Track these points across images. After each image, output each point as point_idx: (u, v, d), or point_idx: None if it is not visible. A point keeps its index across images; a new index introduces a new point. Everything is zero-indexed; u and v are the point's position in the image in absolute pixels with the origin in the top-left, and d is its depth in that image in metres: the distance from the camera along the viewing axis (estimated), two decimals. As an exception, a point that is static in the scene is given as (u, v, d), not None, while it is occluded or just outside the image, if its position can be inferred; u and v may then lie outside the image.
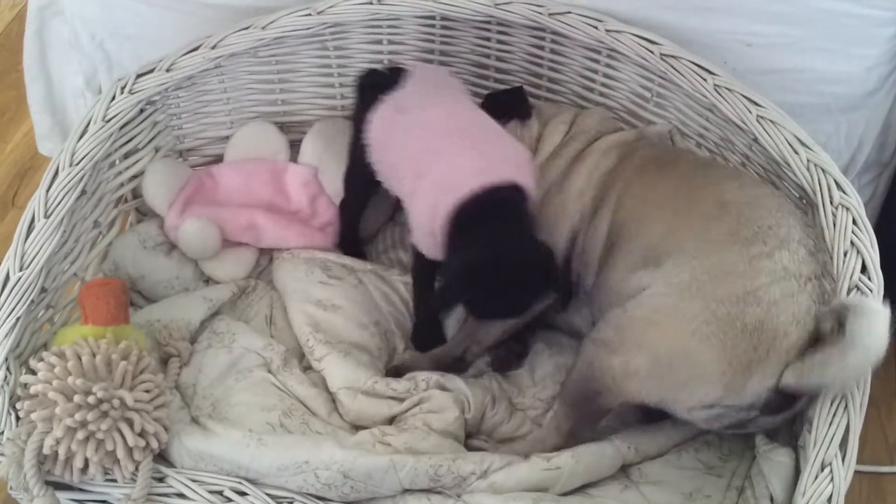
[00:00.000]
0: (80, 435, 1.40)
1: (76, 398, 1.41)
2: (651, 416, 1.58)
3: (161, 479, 1.47)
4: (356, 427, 1.66)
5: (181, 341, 1.71)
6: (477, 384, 1.73)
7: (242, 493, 1.47)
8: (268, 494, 1.47)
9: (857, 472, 1.88)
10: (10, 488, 1.44)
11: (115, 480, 1.46)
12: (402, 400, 1.68)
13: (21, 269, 1.54)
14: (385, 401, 1.68)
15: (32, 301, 1.55)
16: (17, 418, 1.46)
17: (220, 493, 1.47)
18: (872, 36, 1.83)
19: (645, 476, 1.56)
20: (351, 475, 1.47)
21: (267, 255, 1.99)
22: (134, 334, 1.62)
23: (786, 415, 1.43)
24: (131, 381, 1.49)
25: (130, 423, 1.44)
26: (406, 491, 1.51)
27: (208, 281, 1.94)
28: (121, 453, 1.42)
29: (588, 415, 1.56)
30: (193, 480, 1.47)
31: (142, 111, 1.83)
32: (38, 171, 2.52)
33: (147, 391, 1.50)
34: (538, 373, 1.79)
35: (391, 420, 1.67)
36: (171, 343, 1.69)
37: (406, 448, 1.56)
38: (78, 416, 1.39)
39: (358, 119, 1.81)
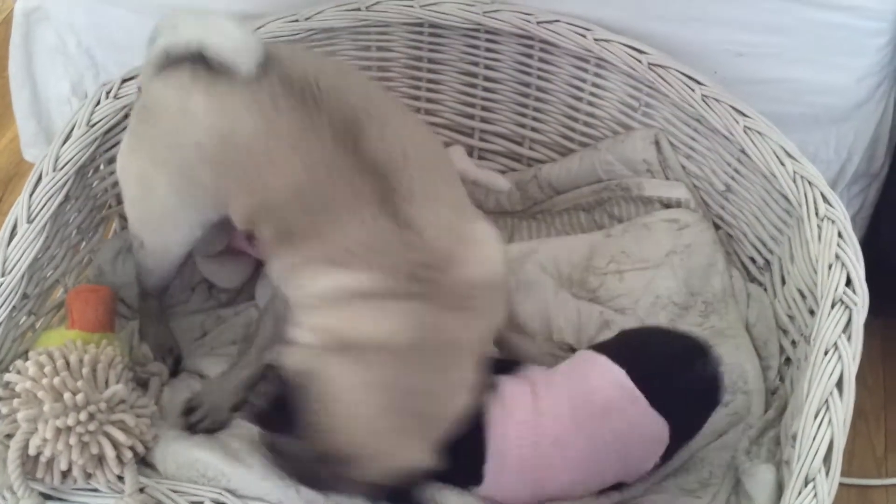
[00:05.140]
0: (67, 436, 1.39)
1: (66, 398, 1.40)
2: None
3: (141, 490, 1.45)
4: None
5: (156, 364, 1.70)
6: None
7: (223, 505, 1.47)
8: (249, 508, 1.46)
9: (844, 485, 1.89)
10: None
11: (95, 490, 1.45)
12: None
13: (3, 275, 1.53)
14: None
15: (14, 307, 1.54)
16: (-3, 421, 1.46)
17: (201, 503, 1.45)
18: (862, 46, 1.82)
19: (623, 498, 1.54)
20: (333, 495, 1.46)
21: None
22: (118, 343, 1.62)
23: None
24: (117, 384, 1.48)
25: (117, 425, 1.44)
26: None
27: (194, 289, 1.92)
28: (109, 454, 1.41)
29: None
30: (174, 491, 1.46)
31: (126, 116, 1.80)
32: (22, 178, 2.49)
33: (133, 392, 1.51)
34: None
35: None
36: (150, 364, 1.69)
37: None
38: (67, 417, 1.39)
39: None
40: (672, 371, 1.47)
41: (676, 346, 1.51)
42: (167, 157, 1.55)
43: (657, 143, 1.88)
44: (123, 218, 1.91)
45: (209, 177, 1.52)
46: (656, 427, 1.43)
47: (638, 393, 1.43)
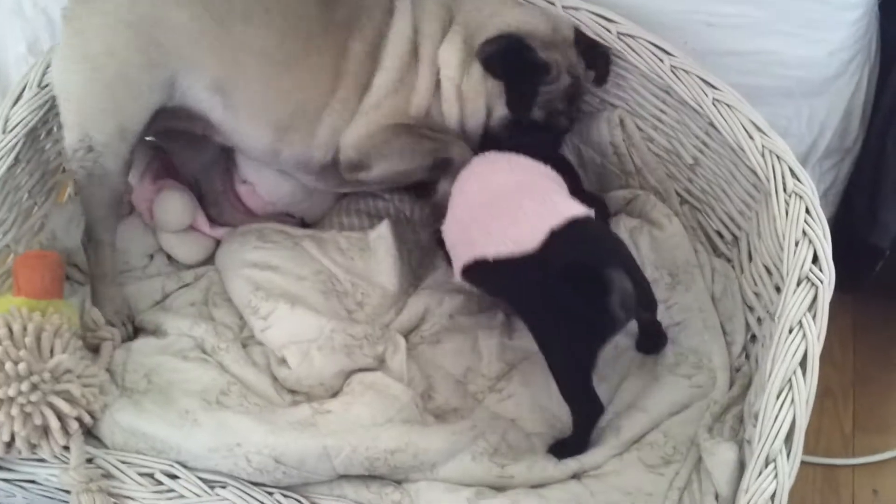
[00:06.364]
0: (9, 407, 1.37)
1: (7, 367, 1.37)
2: None
3: (89, 460, 1.43)
4: (295, 393, 1.64)
5: (108, 328, 1.66)
6: None
7: (173, 476, 1.44)
8: (200, 479, 1.44)
9: (811, 464, 1.87)
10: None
11: (43, 460, 1.43)
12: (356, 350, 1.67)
13: (-50, 240, 1.50)
14: (339, 356, 1.65)
15: (-39, 272, 1.51)
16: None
17: (151, 475, 1.44)
18: (835, 19, 1.80)
19: (586, 470, 1.53)
20: (283, 460, 1.44)
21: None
22: (67, 310, 1.58)
23: None
24: (62, 353, 1.45)
25: (62, 395, 1.41)
26: (342, 477, 1.49)
27: (152, 256, 1.89)
28: (53, 425, 1.39)
29: None
30: (123, 462, 1.44)
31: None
32: (-18, 140, 2.46)
33: (81, 361, 1.48)
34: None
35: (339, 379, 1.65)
36: (101, 329, 1.65)
37: (343, 420, 1.53)
38: (8, 388, 1.36)
39: None
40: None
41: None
42: (128, 19, 1.63)
43: (622, 124, 1.86)
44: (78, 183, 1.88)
45: (185, 16, 1.64)
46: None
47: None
